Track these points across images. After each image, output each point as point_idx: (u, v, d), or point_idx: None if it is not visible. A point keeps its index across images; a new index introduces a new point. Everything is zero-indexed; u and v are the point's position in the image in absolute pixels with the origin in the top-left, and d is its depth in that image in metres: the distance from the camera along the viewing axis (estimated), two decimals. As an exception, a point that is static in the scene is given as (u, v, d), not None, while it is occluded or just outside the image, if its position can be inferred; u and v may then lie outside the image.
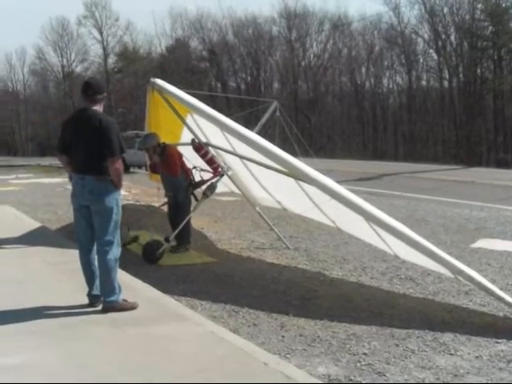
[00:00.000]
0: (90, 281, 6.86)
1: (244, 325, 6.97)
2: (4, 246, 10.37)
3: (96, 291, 6.83)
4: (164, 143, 10.66)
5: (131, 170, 33.51)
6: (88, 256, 6.86)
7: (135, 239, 10.96)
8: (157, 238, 10.42)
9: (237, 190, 12.03)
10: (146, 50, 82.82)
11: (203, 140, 10.61)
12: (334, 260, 10.11)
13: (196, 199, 10.87)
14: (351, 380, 5.46)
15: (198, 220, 11.14)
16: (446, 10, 60.76)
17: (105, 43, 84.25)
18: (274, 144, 8.57)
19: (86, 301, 6.87)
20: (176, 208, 10.67)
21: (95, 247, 6.80)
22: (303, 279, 8.98)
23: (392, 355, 6.05)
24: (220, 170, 10.59)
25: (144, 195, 17.66)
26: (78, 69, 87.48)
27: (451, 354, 6.09)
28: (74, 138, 6.73)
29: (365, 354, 6.11)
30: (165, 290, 7.97)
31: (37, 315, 6.49)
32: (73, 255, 7.43)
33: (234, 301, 7.90)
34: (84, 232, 6.84)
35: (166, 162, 10.54)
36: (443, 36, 61.53)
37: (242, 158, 10.21)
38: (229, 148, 10.35)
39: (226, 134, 9.75)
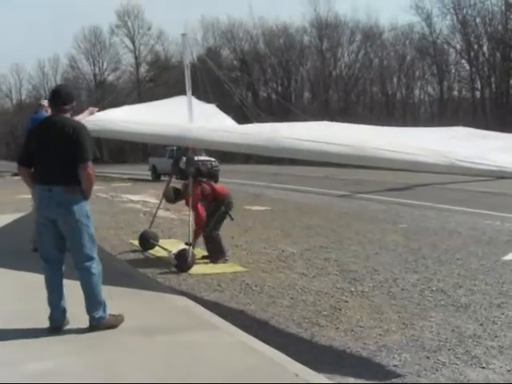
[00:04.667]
0: (56, 300, 6.33)
1: (274, 335, 6.96)
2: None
3: (63, 310, 6.37)
4: (178, 189, 10.97)
5: (162, 178, 33.69)
6: (57, 273, 6.38)
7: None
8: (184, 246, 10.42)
9: None
10: (177, 59, 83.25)
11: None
12: (364, 271, 10.06)
13: (231, 218, 10.92)
14: (382, 392, 5.45)
15: (229, 229, 11.15)
16: (478, 20, 60.50)
17: (137, 52, 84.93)
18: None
19: (116, 307, 6.89)
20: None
21: (62, 265, 6.41)
22: (333, 290, 8.95)
23: (423, 368, 6.01)
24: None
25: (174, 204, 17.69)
26: (110, 77, 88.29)
27: (483, 368, 6.03)
28: (43, 147, 6.28)
29: (395, 366, 6.08)
30: (195, 299, 7.99)
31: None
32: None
33: (264, 310, 7.91)
34: (52, 248, 6.34)
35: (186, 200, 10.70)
36: (475, 46, 61.23)
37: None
38: None
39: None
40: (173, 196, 10.99)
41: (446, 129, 8.85)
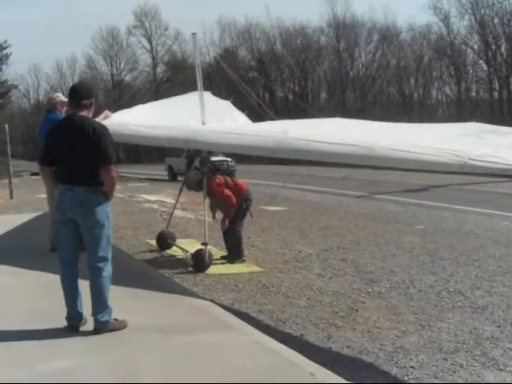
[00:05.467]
0: (73, 300, 6.34)
1: (291, 335, 6.98)
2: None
3: (80, 309, 6.37)
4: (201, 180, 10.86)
5: (179, 178, 33.69)
6: (73, 273, 6.36)
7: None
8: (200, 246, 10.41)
9: None
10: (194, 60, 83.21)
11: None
12: (381, 272, 10.04)
13: (251, 215, 10.94)
14: (399, 393, 5.44)
15: (245, 229, 11.13)
16: (496, 20, 60.20)
17: (154, 52, 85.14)
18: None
19: (133, 306, 6.91)
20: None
21: (78, 263, 6.40)
22: (350, 290, 8.93)
23: (440, 369, 5.99)
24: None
25: (191, 204, 17.76)
26: (128, 78, 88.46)
27: (500, 370, 6.00)
28: (63, 147, 6.25)
29: (412, 367, 6.06)
30: (212, 299, 8.02)
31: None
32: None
33: (280, 311, 7.91)
34: (70, 248, 6.36)
35: (211, 192, 10.64)
36: (493, 47, 60.92)
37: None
38: None
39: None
40: (196, 182, 10.87)
41: (459, 125, 8.80)
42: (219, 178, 10.59)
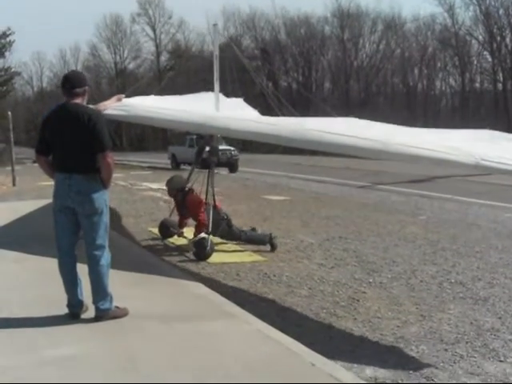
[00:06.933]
0: (72, 288, 6.31)
1: (291, 324, 6.97)
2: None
3: (80, 297, 6.34)
4: (188, 189, 10.90)
5: (182, 167, 33.75)
6: (71, 260, 6.34)
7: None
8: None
9: None
10: (198, 48, 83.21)
11: None
12: (383, 262, 10.05)
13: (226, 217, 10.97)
14: None
15: (248, 219, 11.15)
16: (501, 11, 60.12)
17: (158, 41, 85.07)
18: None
19: (135, 294, 6.92)
20: None
21: (75, 252, 6.37)
22: (352, 280, 8.94)
23: (440, 360, 6.00)
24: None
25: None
26: (131, 66, 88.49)
27: (501, 361, 6.01)
28: (59, 135, 6.20)
29: (413, 357, 6.07)
30: (213, 287, 8.02)
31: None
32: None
33: (281, 300, 7.93)
34: (67, 236, 6.30)
35: (186, 207, 10.74)
36: (498, 38, 60.80)
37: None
38: None
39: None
40: (175, 189, 10.97)
41: (472, 131, 8.91)
42: (200, 199, 10.60)
